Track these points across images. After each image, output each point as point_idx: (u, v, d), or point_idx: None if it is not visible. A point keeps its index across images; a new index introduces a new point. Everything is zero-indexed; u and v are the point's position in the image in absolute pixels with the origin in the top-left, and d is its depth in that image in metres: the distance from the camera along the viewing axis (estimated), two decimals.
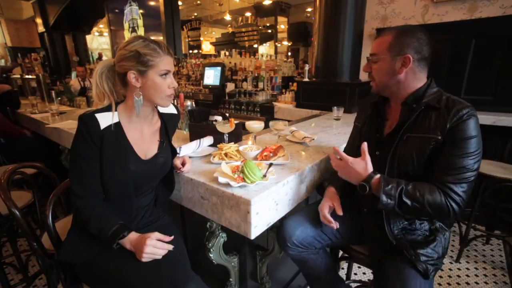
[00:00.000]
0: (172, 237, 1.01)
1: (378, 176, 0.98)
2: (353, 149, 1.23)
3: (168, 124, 1.17)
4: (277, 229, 1.22)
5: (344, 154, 1.04)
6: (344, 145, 1.43)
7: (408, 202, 0.94)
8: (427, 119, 0.99)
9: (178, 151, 1.27)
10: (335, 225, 1.12)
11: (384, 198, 0.94)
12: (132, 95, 1.01)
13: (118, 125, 1.02)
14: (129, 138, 1.04)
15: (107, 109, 1.01)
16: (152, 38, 1.02)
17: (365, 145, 1.01)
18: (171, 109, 1.20)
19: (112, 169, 0.99)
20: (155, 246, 0.94)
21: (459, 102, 0.97)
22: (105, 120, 0.99)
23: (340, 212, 1.11)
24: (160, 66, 0.99)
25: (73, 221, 1.08)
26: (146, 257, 0.93)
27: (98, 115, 0.98)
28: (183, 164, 1.18)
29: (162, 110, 1.17)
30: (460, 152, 0.93)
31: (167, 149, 1.16)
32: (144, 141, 1.09)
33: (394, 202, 0.94)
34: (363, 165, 1.00)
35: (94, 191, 0.99)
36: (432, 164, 0.99)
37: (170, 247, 0.98)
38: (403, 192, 0.94)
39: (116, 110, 1.02)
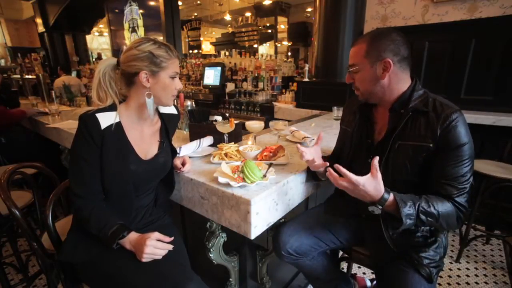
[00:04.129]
0: (172, 238, 1.01)
1: (392, 197, 0.90)
2: (344, 155, 1.20)
3: (168, 125, 1.17)
4: (272, 237, 1.22)
5: (353, 176, 0.88)
6: None
7: (423, 218, 0.90)
8: (417, 125, 0.98)
9: (178, 151, 1.27)
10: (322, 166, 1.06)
11: (406, 220, 0.88)
12: (136, 96, 1.03)
13: (118, 125, 1.02)
14: (130, 138, 1.04)
15: (109, 109, 1.01)
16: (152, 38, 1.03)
17: (376, 160, 0.88)
18: (171, 109, 1.21)
19: (112, 169, 0.99)
20: (155, 246, 0.94)
21: (447, 105, 0.95)
22: (105, 120, 0.99)
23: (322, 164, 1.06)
24: (171, 68, 1.02)
25: (73, 221, 1.08)
26: (146, 257, 0.93)
27: (98, 115, 0.98)
28: (183, 164, 1.18)
29: (162, 110, 1.17)
30: (454, 161, 0.92)
31: (167, 149, 1.16)
32: (144, 141, 1.09)
33: (413, 221, 0.90)
34: (375, 185, 0.88)
35: (94, 191, 0.99)
36: (427, 173, 0.98)
37: (170, 247, 0.99)
38: (420, 210, 0.90)
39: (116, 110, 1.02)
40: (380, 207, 0.90)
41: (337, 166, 0.91)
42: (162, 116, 1.17)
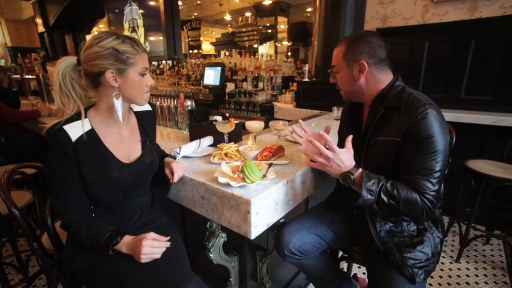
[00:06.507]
0: (168, 237, 1.00)
1: (360, 170, 0.96)
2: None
3: (144, 122, 1.13)
4: (274, 237, 1.22)
5: (334, 145, 0.96)
6: None
7: (385, 199, 0.93)
8: (389, 121, 1.00)
9: (178, 151, 1.27)
10: None
11: (365, 193, 0.92)
12: (105, 97, 0.96)
13: (92, 132, 0.95)
14: (107, 144, 0.99)
15: (76, 118, 0.93)
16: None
17: (350, 138, 0.99)
18: (145, 106, 1.16)
19: (94, 179, 0.95)
20: (152, 245, 0.93)
21: (418, 100, 0.96)
22: (75, 131, 0.91)
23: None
24: (140, 64, 0.95)
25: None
26: (144, 258, 0.92)
27: (66, 127, 0.90)
28: (172, 173, 1.10)
29: (136, 108, 1.13)
30: (420, 154, 0.92)
31: (151, 148, 1.13)
32: (124, 144, 1.04)
33: (374, 198, 0.93)
34: (348, 157, 0.97)
35: (77, 205, 0.96)
36: (399, 166, 0.98)
37: (167, 244, 0.98)
38: (382, 189, 0.93)
39: (86, 117, 0.95)
40: (351, 175, 0.95)
41: (322, 133, 0.98)
42: (136, 115, 1.12)
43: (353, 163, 0.98)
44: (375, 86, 1.05)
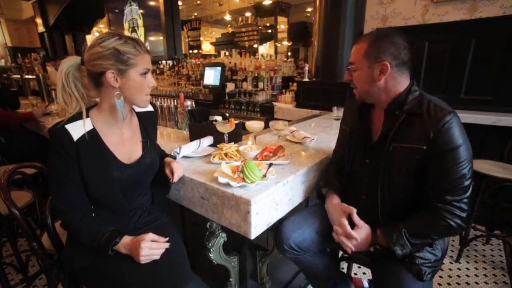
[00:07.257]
0: (167, 238, 0.99)
1: (378, 232, 1.01)
2: (345, 155, 1.20)
3: (145, 123, 1.13)
4: (275, 231, 1.22)
5: (350, 231, 1.02)
6: None
7: (417, 242, 0.96)
8: (411, 127, 0.97)
9: (178, 151, 1.27)
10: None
11: (398, 250, 0.95)
12: (107, 97, 0.96)
13: (93, 132, 0.96)
14: (108, 144, 0.99)
15: (78, 117, 0.94)
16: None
17: (355, 215, 1.04)
18: (147, 107, 1.15)
19: (94, 179, 0.95)
20: (150, 247, 0.93)
21: (441, 107, 0.95)
22: (77, 130, 0.92)
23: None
24: (141, 65, 0.95)
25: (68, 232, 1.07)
26: (144, 260, 0.92)
27: (68, 126, 0.91)
28: (173, 173, 1.11)
29: (138, 109, 1.13)
30: (451, 164, 0.91)
31: (152, 148, 1.13)
32: (125, 144, 1.04)
33: (409, 248, 0.95)
34: (363, 232, 1.02)
35: (78, 204, 0.96)
36: (423, 176, 0.97)
37: (166, 245, 0.98)
38: (406, 236, 0.95)
39: (88, 117, 0.96)
40: (376, 245, 1.01)
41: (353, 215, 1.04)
42: (138, 115, 1.13)
43: (369, 233, 1.02)
44: (393, 89, 1.01)
